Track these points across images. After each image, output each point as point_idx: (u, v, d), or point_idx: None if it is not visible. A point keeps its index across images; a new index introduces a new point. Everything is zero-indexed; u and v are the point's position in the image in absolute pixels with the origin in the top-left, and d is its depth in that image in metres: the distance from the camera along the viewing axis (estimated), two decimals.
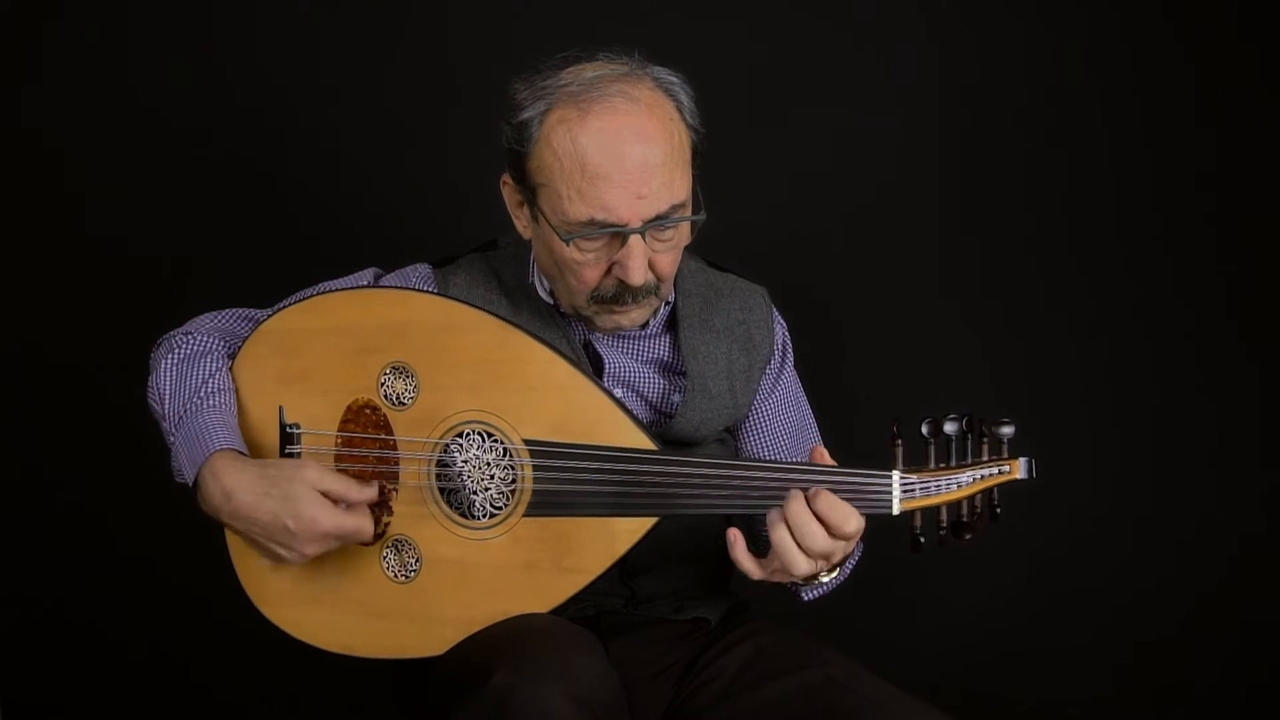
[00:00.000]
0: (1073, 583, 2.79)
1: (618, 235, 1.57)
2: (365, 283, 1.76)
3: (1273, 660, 2.75)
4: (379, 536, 1.61)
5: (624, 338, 1.73)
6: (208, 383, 1.64)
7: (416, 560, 1.60)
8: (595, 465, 1.54)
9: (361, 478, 1.60)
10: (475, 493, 1.58)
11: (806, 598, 1.68)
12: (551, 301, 1.72)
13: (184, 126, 2.61)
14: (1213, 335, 2.78)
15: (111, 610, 2.63)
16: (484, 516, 1.58)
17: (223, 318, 1.75)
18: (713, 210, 1.63)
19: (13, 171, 2.58)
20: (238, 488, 1.56)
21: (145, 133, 2.61)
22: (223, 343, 1.70)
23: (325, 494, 1.55)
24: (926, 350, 2.77)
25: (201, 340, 1.69)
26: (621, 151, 1.54)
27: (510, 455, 1.57)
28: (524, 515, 1.56)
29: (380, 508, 1.60)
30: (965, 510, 1.48)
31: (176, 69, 2.60)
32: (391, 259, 1.82)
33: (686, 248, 1.68)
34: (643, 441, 1.55)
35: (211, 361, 1.67)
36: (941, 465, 1.47)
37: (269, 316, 1.69)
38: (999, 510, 1.48)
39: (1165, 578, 2.78)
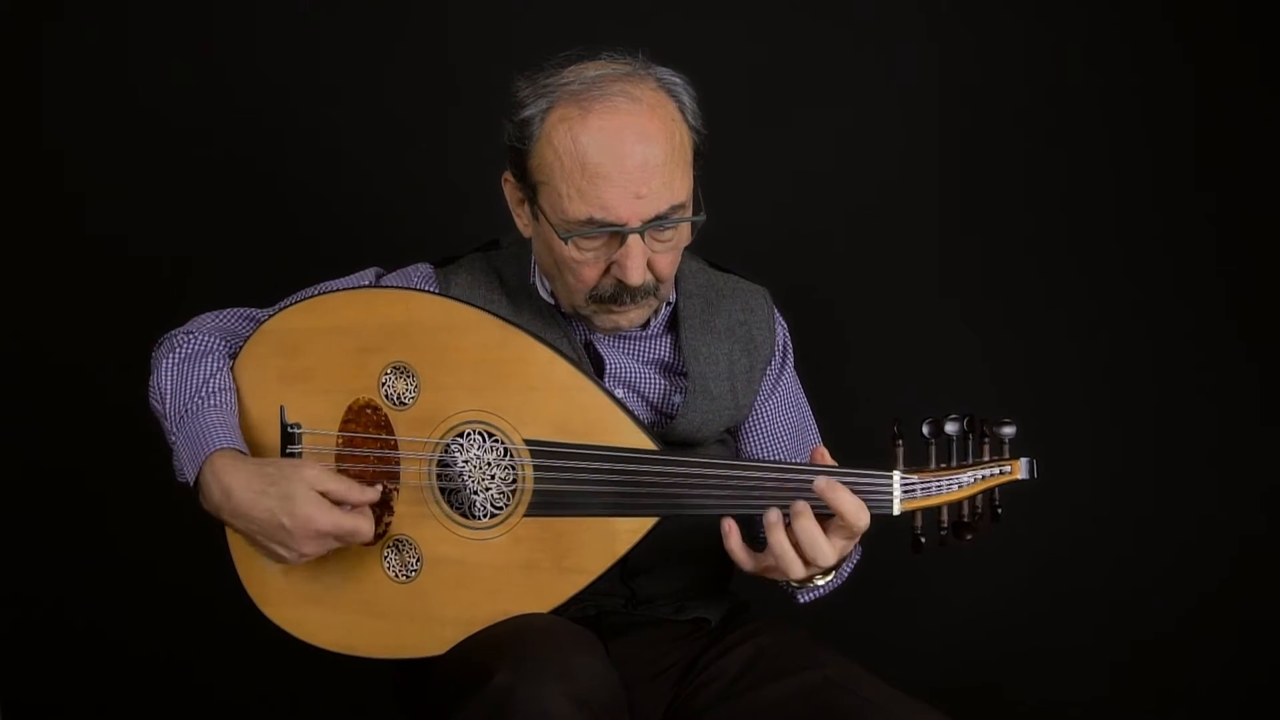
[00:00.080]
0: (1073, 583, 2.79)
1: (617, 235, 1.57)
2: (366, 283, 1.76)
3: (1273, 660, 2.75)
4: (380, 536, 1.61)
5: (625, 338, 1.72)
6: (209, 382, 1.64)
7: (417, 560, 1.60)
8: (596, 465, 1.54)
9: (363, 478, 1.60)
10: (476, 493, 1.58)
11: (803, 600, 1.68)
12: (553, 301, 1.71)
13: (184, 126, 2.61)
14: (1213, 335, 2.78)
15: (111, 610, 2.63)
16: (485, 516, 1.58)
17: (224, 317, 1.75)
18: (713, 211, 1.63)
19: (13, 171, 2.58)
20: (236, 486, 1.56)
21: (145, 133, 2.61)
22: (224, 342, 1.71)
23: (325, 494, 1.55)
24: (927, 350, 2.77)
25: (202, 340, 1.70)
26: (622, 151, 1.54)
27: (511, 455, 1.57)
28: (524, 515, 1.56)
29: (381, 508, 1.60)
30: (966, 511, 1.48)
31: (176, 69, 2.60)
32: (392, 259, 1.82)
33: (688, 248, 1.68)
34: (644, 442, 1.55)
35: (213, 361, 1.67)
36: (942, 465, 1.47)
37: (270, 316, 1.69)
38: (1000, 511, 1.48)
39: (1165, 578, 2.78)
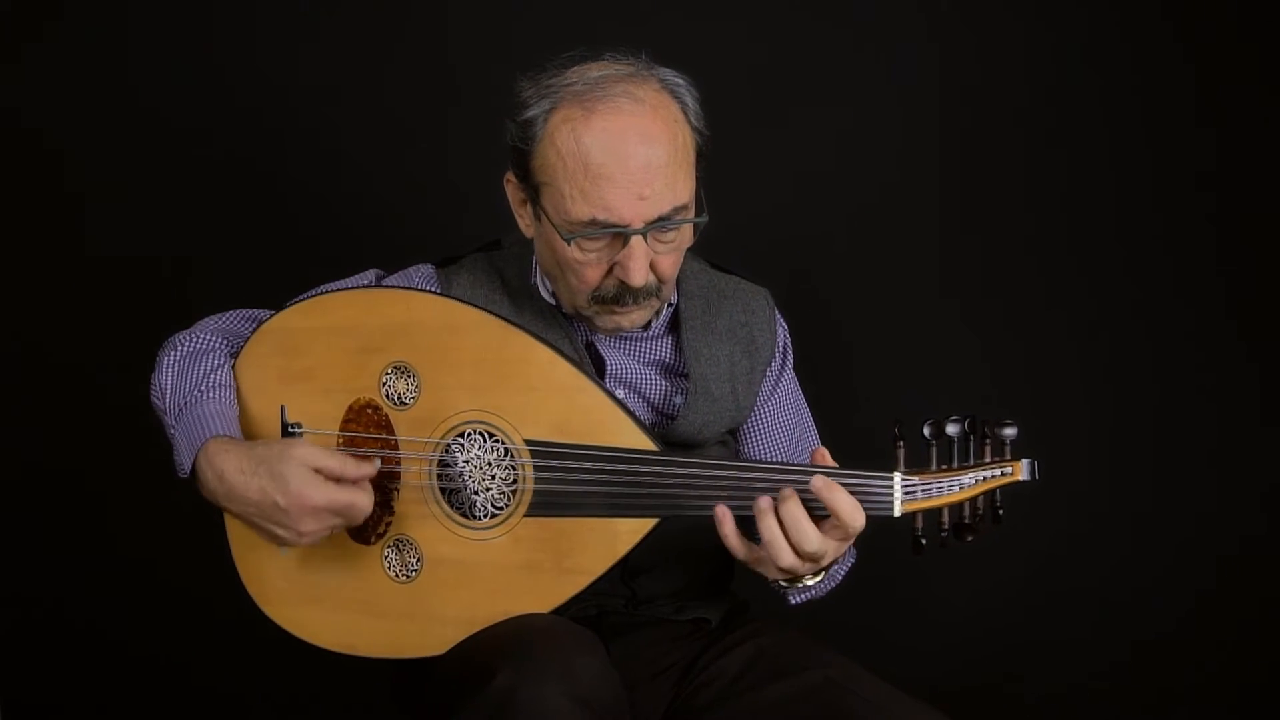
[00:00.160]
0: (1072, 582, 2.79)
1: (619, 236, 1.57)
2: (367, 283, 1.76)
3: (1273, 660, 2.75)
4: (380, 536, 1.61)
5: (626, 339, 1.72)
6: (209, 377, 1.64)
7: (418, 560, 1.60)
8: (596, 466, 1.54)
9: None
10: (476, 493, 1.58)
11: (794, 601, 1.68)
12: (554, 302, 1.71)
13: (184, 126, 2.61)
14: (1213, 335, 2.79)
15: (111, 610, 2.63)
16: (485, 516, 1.58)
17: (226, 318, 1.75)
18: (714, 211, 1.63)
19: (13, 171, 2.58)
20: (229, 468, 1.55)
21: (145, 133, 2.61)
22: (225, 341, 1.71)
23: (320, 470, 1.53)
24: (927, 351, 2.77)
25: (204, 339, 1.70)
26: (625, 152, 1.54)
27: (511, 455, 1.57)
28: (525, 515, 1.56)
29: (381, 508, 1.60)
30: (967, 512, 1.48)
31: (176, 69, 2.60)
32: (392, 259, 1.82)
33: (689, 249, 1.68)
34: (644, 443, 1.55)
35: (213, 358, 1.67)
36: (943, 467, 1.47)
37: (271, 317, 1.69)
38: (1001, 512, 1.48)
39: (1165, 577, 2.78)
